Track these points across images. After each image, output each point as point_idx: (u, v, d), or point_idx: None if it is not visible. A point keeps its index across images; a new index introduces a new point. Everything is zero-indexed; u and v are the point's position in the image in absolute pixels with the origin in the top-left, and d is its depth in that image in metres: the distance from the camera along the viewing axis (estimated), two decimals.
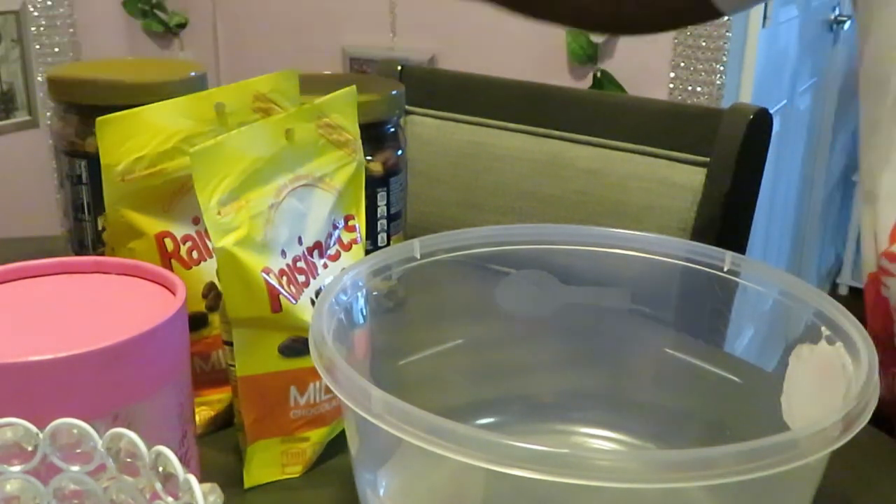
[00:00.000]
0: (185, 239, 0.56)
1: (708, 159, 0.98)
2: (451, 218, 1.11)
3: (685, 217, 0.99)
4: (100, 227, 0.65)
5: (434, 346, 0.55)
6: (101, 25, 2.18)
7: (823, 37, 2.40)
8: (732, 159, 0.96)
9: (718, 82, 1.60)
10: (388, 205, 0.68)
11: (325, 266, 0.54)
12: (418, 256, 0.52)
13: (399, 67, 1.17)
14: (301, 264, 0.52)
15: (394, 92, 0.68)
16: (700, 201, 0.98)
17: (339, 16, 1.98)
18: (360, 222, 0.57)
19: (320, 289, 0.52)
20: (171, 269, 0.54)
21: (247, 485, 0.52)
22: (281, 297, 0.49)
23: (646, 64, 1.65)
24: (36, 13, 2.02)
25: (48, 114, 1.98)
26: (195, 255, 0.56)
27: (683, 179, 0.99)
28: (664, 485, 0.35)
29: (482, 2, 0.39)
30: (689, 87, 1.62)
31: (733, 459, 0.34)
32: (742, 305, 0.52)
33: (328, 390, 0.52)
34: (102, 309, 0.44)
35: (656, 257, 0.54)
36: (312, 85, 0.61)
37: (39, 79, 2.02)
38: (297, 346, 0.51)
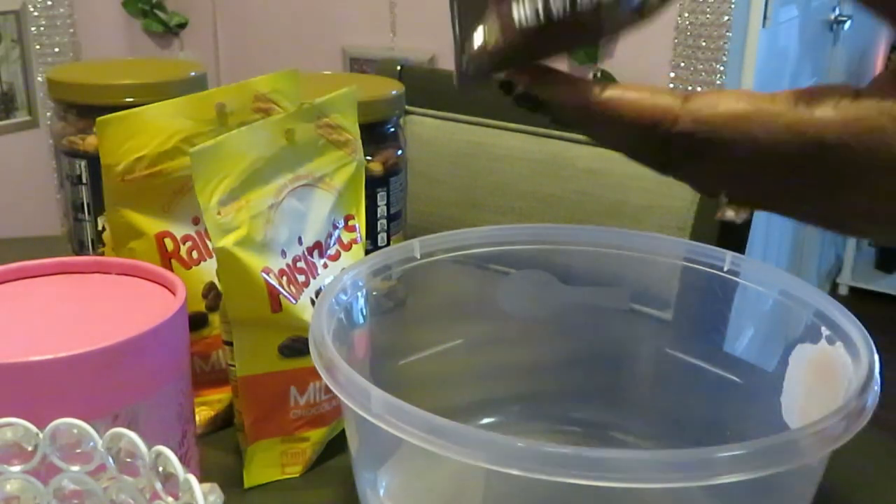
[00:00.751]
0: (185, 239, 0.56)
1: None
2: (451, 218, 1.11)
3: (685, 217, 0.99)
4: (100, 227, 0.65)
5: (434, 346, 0.55)
6: (101, 25, 2.18)
7: (823, 37, 2.40)
8: None
9: (718, 82, 1.60)
10: (388, 205, 0.68)
11: (325, 266, 0.54)
12: (418, 256, 0.52)
13: (399, 67, 1.17)
14: (301, 264, 0.52)
15: (394, 92, 0.68)
16: (700, 201, 0.98)
17: (339, 16, 1.98)
18: (360, 222, 0.57)
19: (320, 289, 0.52)
20: (171, 269, 0.54)
21: (247, 485, 0.52)
22: (281, 297, 0.49)
23: (646, 64, 1.65)
24: (36, 13, 2.02)
25: (48, 114, 1.98)
26: (195, 255, 0.56)
27: None
28: (664, 485, 0.35)
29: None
30: (689, 87, 1.62)
31: (733, 459, 0.34)
32: (742, 305, 0.52)
33: (328, 390, 0.52)
34: (102, 309, 0.44)
35: (656, 257, 0.54)
36: (312, 85, 0.61)
37: (39, 79, 2.02)
38: (297, 346, 0.51)
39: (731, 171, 0.31)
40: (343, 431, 0.51)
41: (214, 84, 0.67)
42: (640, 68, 1.66)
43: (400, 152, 0.68)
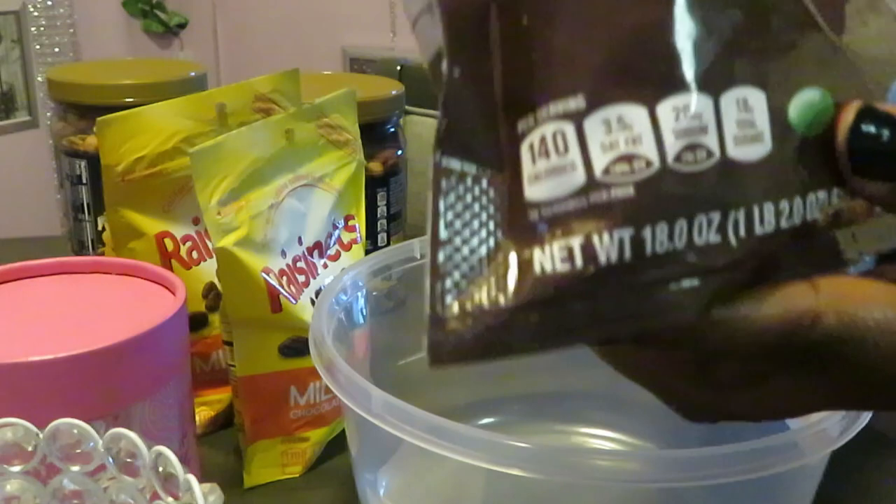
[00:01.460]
0: (185, 239, 0.56)
1: None
2: None
3: None
4: (100, 227, 0.65)
5: None
6: (101, 25, 2.18)
7: None
8: None
9: None
10: (388, 205, 0.68)
11: (325, 266, 0.54)
12: (418, 256, 0.52)
13: (399, 67, 1.17)
14: (301, 264, 0.52)
15: (394, 92, 0.68)
16: None
17: (339, 16, 1.98)
18: (360, 222, 0.57)
19: (320, 289, 0.52)
20: (171, 269, 0.54)
21: (247, 485, 0.52)
22: (281, 297, 0.49)
23: None
24: (36, 13, 2.02)
25: (48, 114, 1.98)
26: (195, 255, 0.56)
27: None
28: (664, 485, 0.35)
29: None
30: None
31: (733, 459, 0.34)
32: None
33: (328, 390, 0.52)
34: (102, 309, 0.44)
35: None
36: (312, 85, 0.61)
37: (39, 79, 2.02)
38: (297, 346, 0.51)
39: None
40: (343, 431, 0.51)
41: (214, 84, 0.67)
42: None
43: (400, 152, 0.68)
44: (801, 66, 0.23)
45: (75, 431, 0.33)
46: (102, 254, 0.64)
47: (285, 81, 0.58)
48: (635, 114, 0.21)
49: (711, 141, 0.22)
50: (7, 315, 0.44)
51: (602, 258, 0.21)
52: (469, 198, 0.24)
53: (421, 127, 1.14)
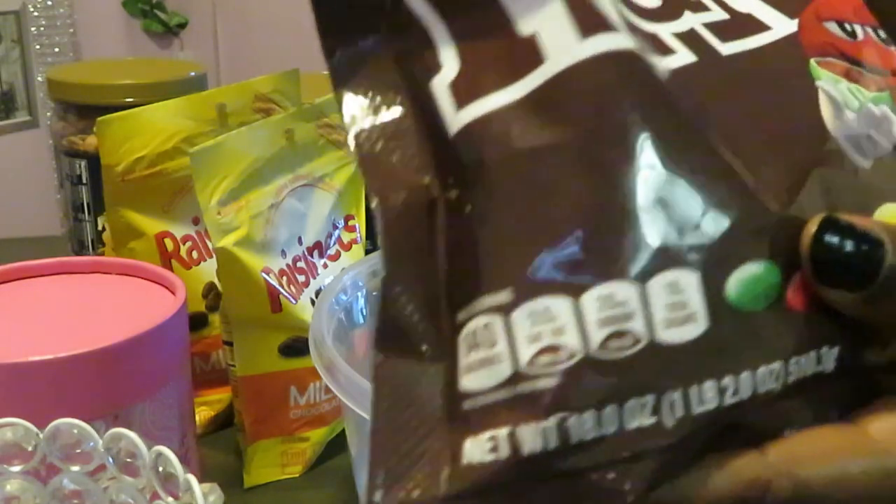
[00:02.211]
0: (185, 239, 0.56)
1: None
2: None
3: None
4: (100, 227, 0.65)
5: None
6: (101, 25, 2.18)
7: None
8: None
9: None
10: None
11: (325, 266, 0.54)
12: None
13: None
14: (301, 264, 0.52)
15: None
16: None
17: None
18: (360, 222, 0.57)
19: (320, 289, 0.52)
20: (171, 269, 0.54)
21: (247, 485, 0.52)
22: (281, 297, 0.49)
23: None
24: (36, 13, 2.02)
25: (48, 114, 1.98)
26: (195, 255, 0.56)
27: None
28: None
29: None
30: None
31: None
32: None
33: (328, 390, 0.52)
34: (102, 309, 0.44)
35: None
36: (312, 85, 0.61)
37: (39, 79, 2.02)
38: (297, 346, 0.51)
39: None
40: (343, 431, 0.51)
41: (214, 84, 0.67)
42: None
43: None
44: (738, 239, 0.22)
45: (75, 431, 0.33)
46: (102, 254, 0.64)
47: (285, 81, 0.58)
48: (560, 305, 0.22)
49: (638, 326, 0.21)
50: (7, 315, 0.44)
51: (526, 449, 0.21)
52: (407, 388, 0.23)
53: None
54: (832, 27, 0.29)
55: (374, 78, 0.25)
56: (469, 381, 0.22)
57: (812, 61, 0.27)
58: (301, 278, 0.52)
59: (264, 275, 0.49)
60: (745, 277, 0.22)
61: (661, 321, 0.21)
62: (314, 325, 0.44)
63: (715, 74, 0.26)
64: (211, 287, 0.56)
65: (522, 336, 0.22)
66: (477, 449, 0.22)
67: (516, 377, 0.21)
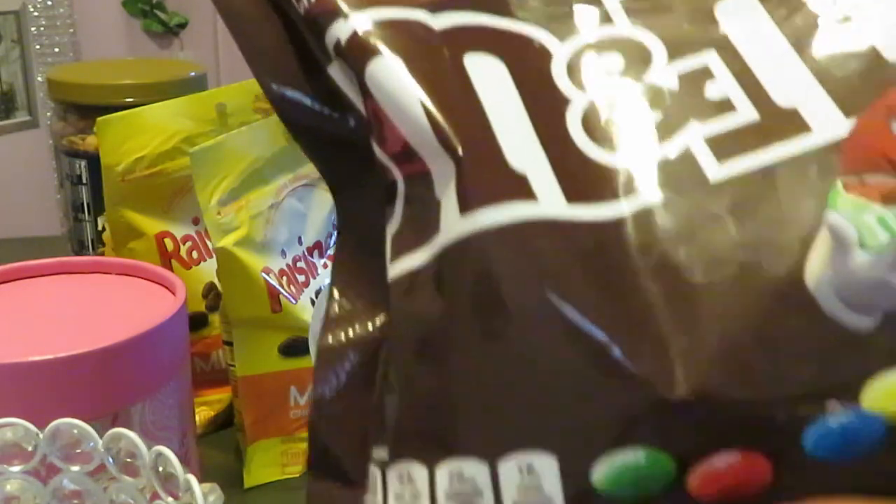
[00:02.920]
0: (185, 239, 0.56)
1: None
2: None
3: None
4: (100, 227, 0.65)
5: None
6: (101, 25, 2.17)
7: None
8: None
9: None
10: None
11: (325, 266, 0.54)
12: None
13: None
14: (301, 264, 0.52)
15: None
16: None
17: None
18: None
19: (320, 289, 0.52)
20: (171, 269, 0.54)
21: (247, 485, 0.52)
22: (281, 297, 0.49)
23: None
24: (36, 13, 2.02)
25: (48, 114, 1.98)
26: (195, 255, 0.56)
27: None
28: None
29: None
30: None
31: None
32: None
33: None
34: (102, 309, 0.44)
35: None
36: None
37: (39, 79, 2.02)
38: (297, 346, 0.51)
39: None
40: None
41: (214, 84, 0.67)
42: None
43: None
44: (605, 424, 0.20)
45: (75, 431, 0.33)
46: (102, 254, 0.64)
47: None
48: (419, 472, 0.22)
49: None
50: (7, 315, 0.44)
51: None
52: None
53: None
54: None
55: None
56: None
57: (840, 182, 0.22)
58: (301, 278, 0.52)
59: (264, 275, 0.49)
60: (619, 465, 0.20)
61: (512, 503, 0.20)
62: (314, 325, 0.44)
63: (673, 220, 0.22)
64: (211, 287, 0.56)
65: (392, 493, 0.23)
66: None
67: None
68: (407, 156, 0.24)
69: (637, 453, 0.20)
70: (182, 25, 2.21)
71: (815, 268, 0.21)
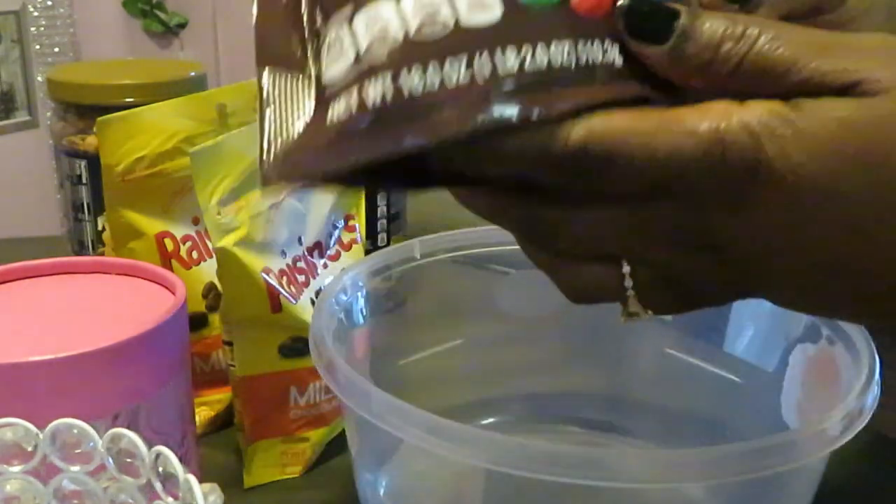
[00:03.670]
0: (185, 239, 0.56)
1: None
2: (451, 218, 1.11)
3: None
4: (100, 227, 0.65)
5: (434, 346, 0.55)
6: (101, 25, 2.18)
7: None
8: None
9: None
10: (388, 205, 0.68)
11: (325, 266, 0.54)
12: (418, 256, 0.52)
13: None
14: (301, 264, 0.52)
15: None
16: None
17: None
18: (360, 222, 0.57)
19: (320, 289, 0.52)
20: (171, 269, 0.54)
21: (247, 485, 0.52)
22: (281, 297, 0.49)
23: None
24: (36, 13, 2.02)
25: (48, 114, 1.98)
26: (195, 255, 0.56)
27: None
28: (664, 485, 0.35)
29: None
30: None
31: (733, 459, 0.34)
32: (742, 305, 0.52)
33: (328, 390, 0.52)
34: (102, 309, 0.44)
35: None
36: None
37: (39, 79, 2.02)
38: (297, 346, 0.51)
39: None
40: (343, 431, 0.51)
41: (214, 84, 0.67)
42: None
43: None
44: None
45: (75, 431, 0.33)
46: (102, 254, 0.64)
47: None
48: (385, 8, 0.29)
49: (445, 16, 0.28)
50: (7, 315, 0.44)
51: (370, 101, 0.29)
52: (286, 89, 0.32)
53: None
54: None
55: None
56: (329, 73, 0.30)
57: None
58: (301, 278, 0.52)
59: (264, 275, 0.49)
60: None
61: (464, 10, 0.28)
62: (314, 325, 0.44)
63: None
64: (211, 287, 0.56)
65: (361, 32, 0.29)
66: (336, 112, 0.30)
67: (358, 59, 0.29)
68: None
69: None
70: (182, 25, 2.21)
71: None
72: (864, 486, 0.53)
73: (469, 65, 0.28)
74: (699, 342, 0.54)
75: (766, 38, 0.27)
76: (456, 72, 0.28)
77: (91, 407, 0.39)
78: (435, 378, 0.55)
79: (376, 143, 0.29)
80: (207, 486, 0.31)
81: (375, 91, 0.29)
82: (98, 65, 0.74)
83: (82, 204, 0.65)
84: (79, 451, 0.34)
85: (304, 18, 0.32)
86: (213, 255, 0.48)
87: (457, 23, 0.28)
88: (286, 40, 0.32)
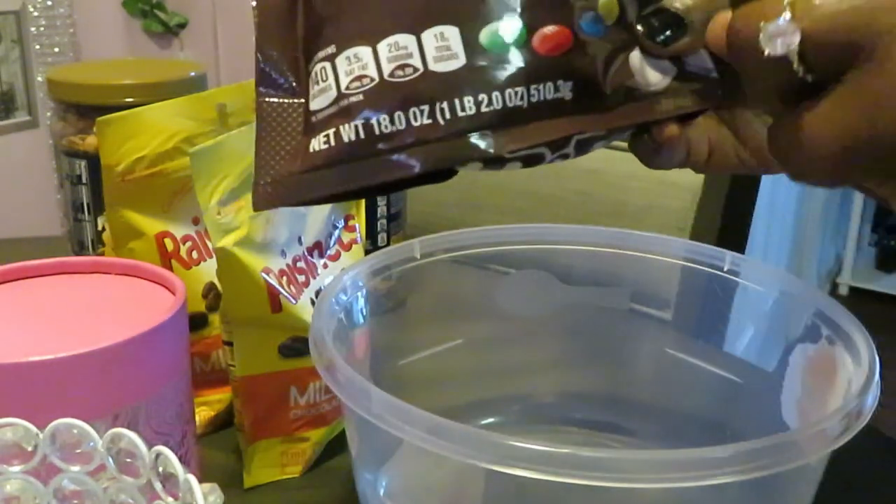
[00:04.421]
0: (185, 239, 0.56)
1: None
2: (451, 218, 1.11)
3: (685, 217, 0.99)
4: (100, 227, 0.65)
5: (434, 346, 0.55)
6: (101, 25, 2.17)
7: None
8: None
9: None
10: (388, 205, 0.68)
11: (325, 266, 0.54)
12: (418, 256, 0.52)
13: None
14: (301, 264, 0.52)
15: None
16: (700, 201, 0.98)
17: None
18: (360, 222, 0.57)
19: (320, 289, 0.52)
20: (171, 269, 0.54)
21: (247, 485, 0.52)
22: (281, 297, 0.49)
23: None
24: (36, 13, 2.02)
25: (48, 114, 1.98)
26: (195, 255, 0.56)
27: (683, 179, 0.99)
28: (664, 485, 0.35)
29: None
30: None
31: (733, 459, 0.34)
32: (742, 305, 0.52)
33: (328, 390, 0.52)
34: (102, 309, 0.44)
35: (656, 257, 0.54)
36: None
37: (39, 79, 2.02)
38: (297, 346, 0.51)
39: None
40: (343, 431, 0.51)
41: (214, 84, 0.67)
42: None
43: None
44: (487, 7, 0.33)
45: (75, 431, 0.33)
46: (102, 254, 0.64)
47: None
48: (364, 51, 0.34)
49: (416, 61, 0.33)
50: (7, 315, 0.44)
51: (345, 138, 0.34)
52: (279, 114, 0.36)
53: None
54: None
55: None
56: (314, 104, 0.35)
57: None
58: (301, 278, 0.52)
59: (264, 275, 0.49)
60: (492, 31, 0.33)
61: (432, 58, 0.33)
62: (314, 325, 0.44)
63: None
64: (211, 287, 0.56)
65: (342, 72, 0.34)
66: (317, 142, 0.34)
67: (339, 97, 0.34)
68: None
69: (504, 21, 0.33)
70: (182, 25, 2.20)
71: None
72: (864, 486, 0.53)
73: (432, 108, 0.33)
74: (699, 342, 0.54)
75: None
76: (422, 114, 0.33)
77: (91, 407, 0.39)
78: (435, 378, 0.55)
79: (353, 174, 0.34)
80: (207, 486, 0.31)
81: (351, 127, 0.34)
82: (98, 65, 0.74)
83: (82, 204, 0.65)
84: (79, 451, 0.34)
85: (300, 48, 0.36)
86: (213, 255, 0.48)
87: (426, 69, 0.33)
88: (282, 66, 0.37)
